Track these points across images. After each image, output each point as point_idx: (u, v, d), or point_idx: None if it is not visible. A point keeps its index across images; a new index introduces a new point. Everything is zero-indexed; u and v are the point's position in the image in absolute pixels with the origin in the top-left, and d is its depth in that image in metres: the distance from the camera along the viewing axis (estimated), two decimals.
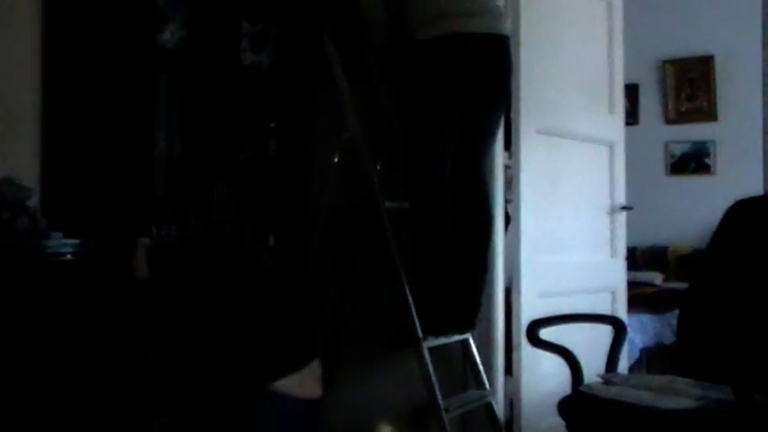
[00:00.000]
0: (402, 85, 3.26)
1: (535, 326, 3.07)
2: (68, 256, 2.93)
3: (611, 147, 4.31)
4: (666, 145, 6.44)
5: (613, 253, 4.32)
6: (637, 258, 6.06)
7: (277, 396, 2.65)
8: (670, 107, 6.44)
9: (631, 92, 6.38)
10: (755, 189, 3.22)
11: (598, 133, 4.21)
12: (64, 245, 2.95)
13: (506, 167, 3.84)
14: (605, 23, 4.37)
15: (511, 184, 3.81)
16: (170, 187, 3.20)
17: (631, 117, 6.34)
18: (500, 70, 3.32)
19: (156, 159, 3.29)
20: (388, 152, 3.47)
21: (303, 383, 2.76)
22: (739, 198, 3.00)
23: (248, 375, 2.65)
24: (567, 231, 3.98)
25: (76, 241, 2.97)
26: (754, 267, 2.84)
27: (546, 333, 3.05)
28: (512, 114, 3.74)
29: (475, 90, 3.25)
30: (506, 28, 3.39)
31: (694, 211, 6.11)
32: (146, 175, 3.29)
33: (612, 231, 4.33)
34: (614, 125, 4.35)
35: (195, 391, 2.69)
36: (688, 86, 6.35)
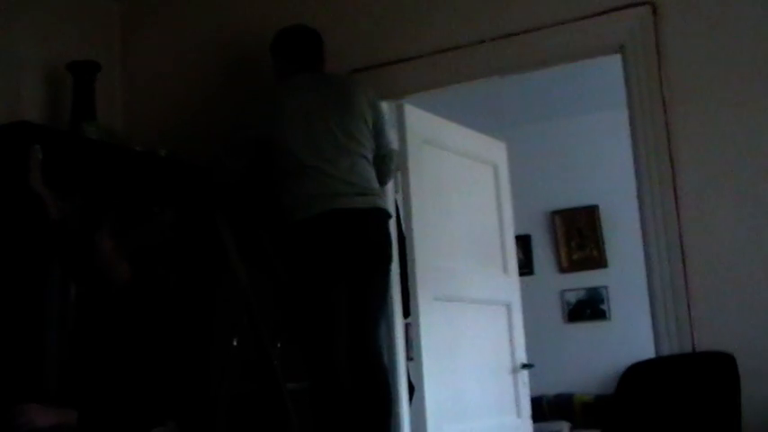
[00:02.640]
0: (288, 266, 3.30)
1: None
2: None
3: (508, 306, 4.39)
4: (562, 293, 6.60)
5: (519, 413, 4.33)
6: (543, 408, 6.08)
7: None
8: (562, 256, 6.63)
9: (524, 243, 6.58)
10: (647, 333, 3.34)
11: (494, 295, 4.29)
12: None
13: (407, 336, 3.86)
14: (493, 186, 4.52)
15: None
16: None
17: (526, 267, 6.51)
18: (379, 243, 3.38)
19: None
20: (287, 332, 3.45)
21: None
22: (633, 362, 3.08)
23: None
24: (471, 395, 3.98)
25: None
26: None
27: None
28: (409, 283, 3.79)
29: (357, 264, 3.31)
30: (383, 203, 3.47)
31: (595, 358, 6.22)
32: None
33: (516, 390, 4.35)
34: (509, 285, 4.44)
35: None
36: (577, 235, 6.58)
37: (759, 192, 3.16)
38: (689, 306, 3.19)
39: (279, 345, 3.47)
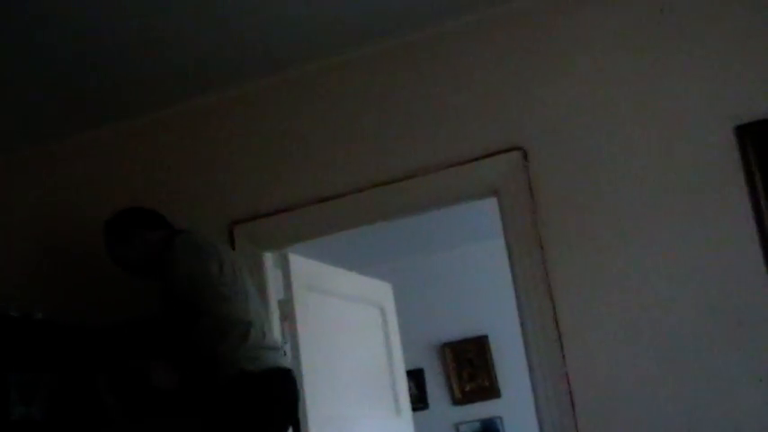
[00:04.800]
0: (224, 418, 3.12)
1: None
2: None
3: None
4: (456, 426, 6.56)
5: None
6: None
7: None
8: (455, 388, 6.63)
9: (417, 377, 6.56)
10: None
11: None
12: None
13: None
14: (381, 326, 4.54)
15: None
16: None
17: (420, 402, 6.49)
18: (295, 400, 3.33)
19: None
20: None
21: None
22: None
23: None
24: None
25: None
26: None
27: None
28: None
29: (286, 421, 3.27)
30: None
31: None
32: None
33: None
34: (403, 428, 4.40)
35: None
36: (468, 366, 6.61)
37: (640, 325, 3.25)
38: None
39: None
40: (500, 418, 6.44)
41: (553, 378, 3.30)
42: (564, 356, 3.30)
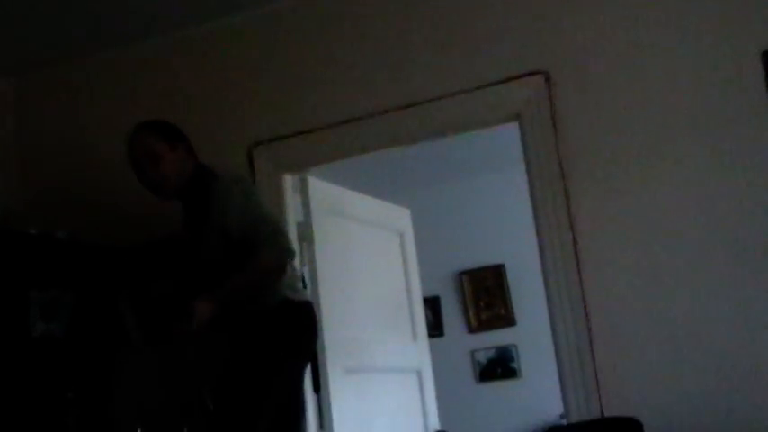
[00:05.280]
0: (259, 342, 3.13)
1: None
2: None
3: (419, 373, 4.38)
4: (472, 353, 6.62)
5: None
6: None
7: None
8: (471, 316, 6.67)
9: (434, 304, 6.60)
10: (557, 390, 3.38)
11: (405, 363, 4.28)
12: None
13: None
14: (399, 252, 4.55)
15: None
16: None
17: (436, 329, 6.54)
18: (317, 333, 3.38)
19: None
20: (195, 418, 3.35)
21: None
22: (544, 425, 3.07)
23: None
24: None
25: None
26: None
27: None
28: (318, 356, 3.74)
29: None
30: None
31: (507, 417, 6.23)
32: None
33: None
34: (419, 352, 4.44)
35: None
36: (485, 295, 6.63)
37: (658, 253, 3.24)
38: (595, 370, 3.23)
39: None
40: (515, 345, 6.49)
41: (571, 306, 3.30)
42: (582, 285, 3.30)
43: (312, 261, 3.83)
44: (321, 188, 3.90)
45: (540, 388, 5.72)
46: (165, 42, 4.07)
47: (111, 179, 3.94)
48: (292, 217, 3.74)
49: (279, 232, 3.12)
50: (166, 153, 3.20)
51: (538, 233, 3.44)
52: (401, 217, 4.57)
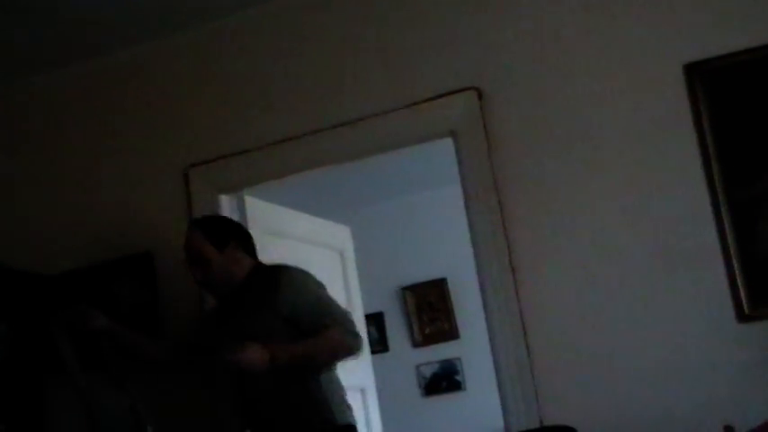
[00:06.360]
0: None
1: None
2: None
3: (363, 391, 4.38)
4: (417, 368, 6.64)
5: None
6: None
7: None
8: (415, 331, 6.69)
9: (378, 320, 6.62)
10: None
11: (348, 381, 4.25)
12: None
13: None
14: (340, 270, 4.54)
15: None
16: None
17: (381, 344, 6.56)
18: None
19: None
20: None
21: None
22: None
23: None
24: None
25: None
26: None
27: None
28: None
29: None
30: None
31: (452, 429, 6.24)
32: None
33: None
34: (362, 369, 4.43)
35: None
36: (428, 309, 6.67)
37: (592, 265, 3.29)
38: (533, 380, 3.27)
39: None
40: (459, 359, 6.52)
41: (509, 319, 3.34)
42: (519, 298, 3.34)
43: None
44: (259, 207, 3.89)
45: (484, 400, 5.71)
46: (98, 63, 4.03)
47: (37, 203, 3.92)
48: None
49: (351, 321, 3.18)
50: (214, 256, 3.20)
51: (474, 248, 3.48)
52: (341, 234, 4.57)
